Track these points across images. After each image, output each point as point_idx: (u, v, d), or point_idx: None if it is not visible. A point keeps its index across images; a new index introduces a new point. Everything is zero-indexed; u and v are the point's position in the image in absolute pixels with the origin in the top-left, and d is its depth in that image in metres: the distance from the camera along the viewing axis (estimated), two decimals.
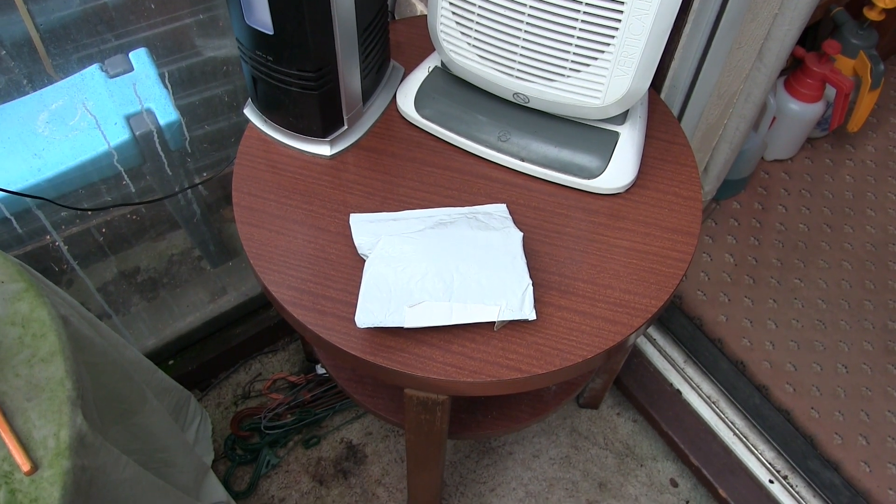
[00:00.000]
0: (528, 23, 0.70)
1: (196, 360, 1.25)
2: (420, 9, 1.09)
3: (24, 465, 0.54)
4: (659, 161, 0.84)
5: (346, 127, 0.82)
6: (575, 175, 0.79)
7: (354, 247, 0.74)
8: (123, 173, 1.02)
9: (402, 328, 0.68)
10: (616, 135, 0.79)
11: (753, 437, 1.18)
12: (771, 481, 1.15)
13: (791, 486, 1.14)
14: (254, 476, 1.20)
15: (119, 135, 0.97)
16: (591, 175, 0.79)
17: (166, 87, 1.02)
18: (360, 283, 0.68)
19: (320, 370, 1.30)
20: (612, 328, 0.71)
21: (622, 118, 0.79)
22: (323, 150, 0.82)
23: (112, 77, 1.00)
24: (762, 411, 1.20)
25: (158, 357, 1.22)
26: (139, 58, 1.02)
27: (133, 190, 1.06)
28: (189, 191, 1.13)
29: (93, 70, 1.00)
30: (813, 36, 1.55)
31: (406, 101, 0.85)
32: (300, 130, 0.81)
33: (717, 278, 1.36)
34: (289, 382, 1.29)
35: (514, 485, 1.22)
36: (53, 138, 0.96)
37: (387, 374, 0.69)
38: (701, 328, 1.29)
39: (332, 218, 0.78)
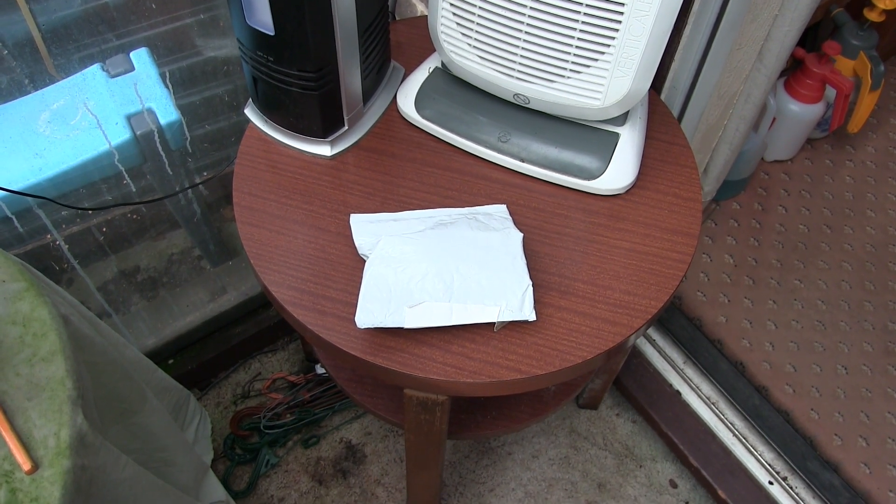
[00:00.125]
0: (528, 24, 0.70)
1: (196, 360, 1.25)
2: (420, 9, 1.09)
3: (25, 465, 0.54)
4: (659, 162, 0.84)
5: (346, 127, 0.82)
6: (575, 176, 0.79)
7: (354, 247, 0.74)
8: (124, 173, 1.02)
9: (402, 328, 0.68)
10: (616, 136, 0.79)
11: (753, 438, 1.18)
12: (770, 482, 1.15)
13: (791, 488, 1.14)
14: (253, 475, 1.20)
15: (120, 134, 0.97)
16: (592, 176, 0.79)
17: (167, 86, 1.02)
18: (361, 283, 0.69)
19: (320, 370, 1.30)
20: (611, 329, 0.71)
21: (622, 119, 0.79)
22: (323, 150, 0.82)
23: (113, 77, 1.00)
24: (762, 412, 1.20)
25: (158, 356, 1.22)
26: (140, 57, 1.03)
27: (134, 189, 1.06)
28: (189, 190, 1.14)
29: (94, 70, 1.01)
30: (813, 37, 1.55)
31: (406, 101, 0.85)
32: (301, 131, 0.81)
33: (717, 279, 1.36)
34: (288, 382, 1.30)
35: (513, 485, 1.22)
36: (54, 137, 0.96)
37: (387, 374, 0.69)
38: (700, 329, 1.29)
39: (333, 218, 0.78)
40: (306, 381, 1.29)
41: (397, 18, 1.15)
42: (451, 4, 0.74)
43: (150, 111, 0.99)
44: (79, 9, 0.96)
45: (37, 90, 0.99)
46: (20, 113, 0.97)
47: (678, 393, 1.23)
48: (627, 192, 0.81)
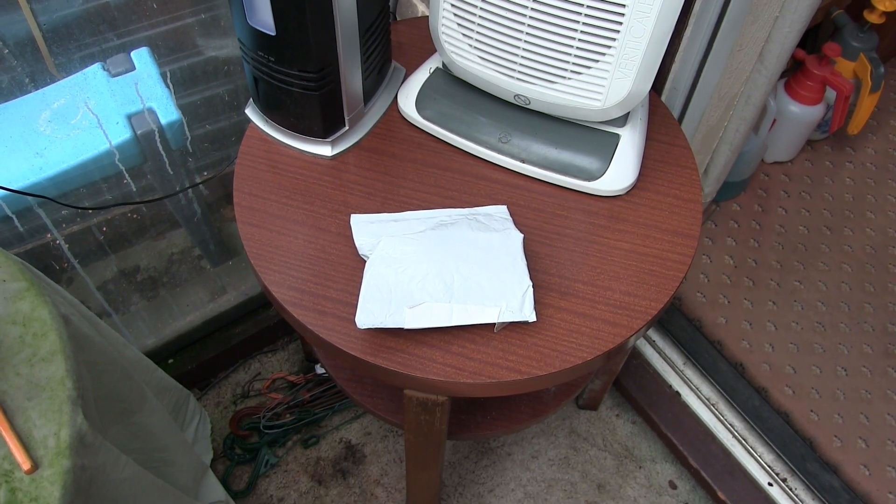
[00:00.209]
0: (529, 25, 0.70)
1: (195, 360, 1.25)
2: (421, 10, 1.09)
3: (25, 464, 0.54)
4: (659, 163, 0.84)
5: (347, 127, 0.82)
6: (575, 177, 0.79)
7: (355, 247, 0.74)
8: (124, 172, 1.02)
9: (402, 329, 0.68)
10: (617, 137, 0.79)
11: (752, 440, 1.18)
12: (770, 484, 1.15)
13: (790, 489, 1.14)
14: (252, 475, 1.20)
15: (120, 134, 0.97)
16: (592, 177, 0.79)
17: (168, 86, 1.02)
18: (361, 283, 0.69)
19: (320, 370, 1.30)
20: (611, 330, 0.71)
21: (623, 120, 0.79)
22: (324, 150, 0.82)
23: (114, 76, 1.00)
24: (761, 413, 1.20)
25: (158, 356, 1.22)
26: (141, 57, 1.03)
27: (134, 189, 1.06)
28: (190, 190, 1.14)
29: (95, 69, 1.01)
30: (813, 38, 1.55)
31: (407, 101, 0.85)
32: (301, 131, 0.81)
33: (717, 280, 1.36)
34: (288, 382, 1.30)
35: (512, 486, 1.22)
36: (55, 137, 0.96)
37: (387, 374, 0.69)
38: (700, 330, 1.29)
39: (333, 218, 0.78)
40: (306, 381, 1.29)
41: (398, 19, 1.15)
42: (452, 5, 0.74)
43: (151, 111, 0.99)
44: (80, 8, 0.96)
45: (37, 89, 0.99)
46: (21, 112, 0.97)
47: (678, 394, 1.23)
48: (628, 193, 0.81)
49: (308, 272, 0.74)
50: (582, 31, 0.68)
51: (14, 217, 0.97)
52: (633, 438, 1.28)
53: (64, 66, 0.99)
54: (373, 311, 0.67)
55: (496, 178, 0.82)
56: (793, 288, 1.37)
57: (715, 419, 1.20)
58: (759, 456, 1.17)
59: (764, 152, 1.50)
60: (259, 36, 0.70)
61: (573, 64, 0.72)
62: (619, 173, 0.79)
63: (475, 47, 0.76)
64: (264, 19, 0.68)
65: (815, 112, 1.41)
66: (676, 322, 1.29)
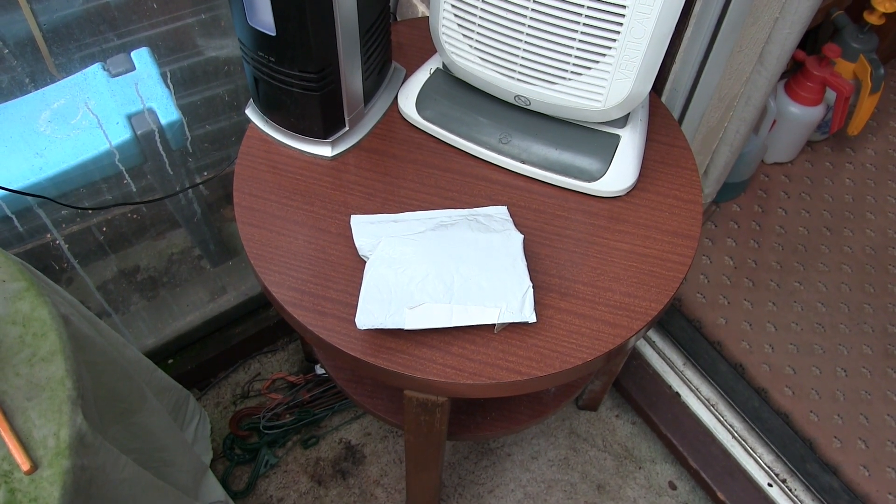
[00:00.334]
0: (530, 25, 0.70)
1: (195, 360, 1.25)
2: (422, 10, 1.09)
3: (24, 465, 0.54)
4: (659, 164, 0.84)
5: (347, 128, 0.82)
6: (576, 178, 0.79)
7: (355, 248, 0.74)
8: (124, 172, 1.02)
9: (402, 330, 0.68)
10: (617, 138, 0.79)
11: (752, 440, 1.18)
12: (770, 484, 1.15)
13: (790, 490, 1.14)
14: (252, 476, 1.20)
15: (120, 134, 0.97)
16: (592, 178, 0.79)
17: (168, 86, 1.02)
18: (361, 284, 0.69)
19: (319, 370, 1.30)
20: (611, 331, 0.71)
21: (623, 121, 0.79)
22: (324, 151, 0.82)
23: (114, 76, 1.00)
24: (761, 414, 1.20)
25: (158, 356, 1.22)
26: (141, 57, 1.03)
27: (134, 189, 1.06)
28: (190, 190, 1.14)
29: (95, 69, 1.01)
30: (813, 39, 1.55)
31: (407, 102, 0.85)
32: (301, 131, 0.81)
33: (717, 281, 1.36)
34: (288, 382, 1.29)
35: (512, 486, 1.22)
36: (55, 137, 0.96)
37: (387, 375, 0.69)
38: (700, 331, 1.29)
39: (333, 219, 0.78)
40: (306, 382, 1.29)
41: (398, 19, 1.15)
42: (453, 6, 0.74)
43: (151, 111, 0.99)
44: (80, 8, 0.96)
45: (37, 89, 0.99)
46: (21, 112, 0.97)
47: (678, 395, 1.23)
48: (628, 193, 0.81)
49: (308, 273, 0.74)
50: (582, 32, 0.68)
51: (14, 217, 0.97)
52: (632, 439, 1.28)
53: (64, 66, 0.99)
54: (373, 312, 0.67)
55: (496, 178, 0.82)
56: (793, 289, 1.37)
57: (715, 420, 1.20)
58: (759, 457, 1.17)
59: (764, 153, 1.50)
60: (259, 36, 0.70)
61: (573, 65, 0.72)
62: (620, 174, 0.79)
63: (475, 48, 0.76)
64: (264, 19, 0.68)
65: (815, 113, 1.41)
66: (676, 323, 1.30)
